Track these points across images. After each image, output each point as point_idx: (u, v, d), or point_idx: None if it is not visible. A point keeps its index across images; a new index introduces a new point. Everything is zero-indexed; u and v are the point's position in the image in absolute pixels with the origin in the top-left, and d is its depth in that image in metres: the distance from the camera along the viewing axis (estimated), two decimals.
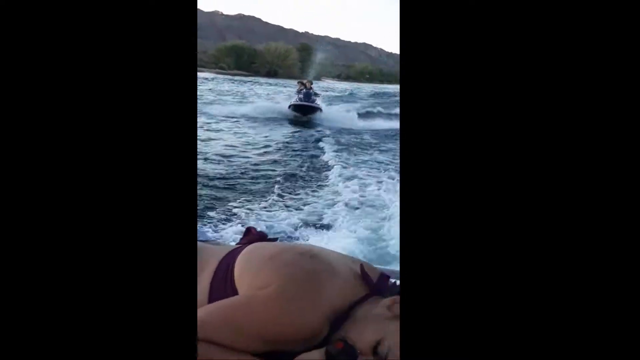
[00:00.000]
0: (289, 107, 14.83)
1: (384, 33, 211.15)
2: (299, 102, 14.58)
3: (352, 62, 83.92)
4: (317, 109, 14.75)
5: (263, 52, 54.48)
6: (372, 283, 0.72)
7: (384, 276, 0.73)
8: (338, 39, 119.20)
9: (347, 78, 62.40)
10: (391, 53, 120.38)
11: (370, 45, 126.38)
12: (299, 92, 15.31)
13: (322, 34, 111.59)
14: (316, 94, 15.55)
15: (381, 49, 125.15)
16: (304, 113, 14.38)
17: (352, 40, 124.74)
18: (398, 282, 0.66)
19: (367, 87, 39.97)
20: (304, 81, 16.46)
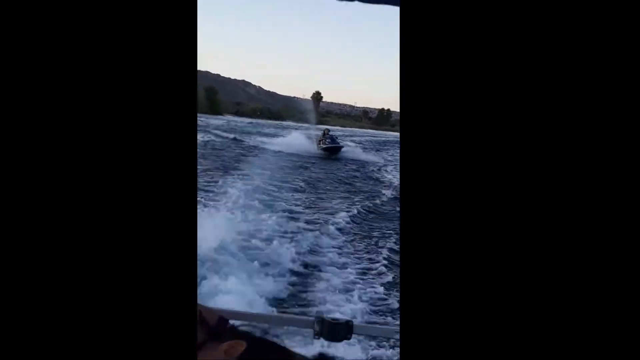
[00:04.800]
0: (320, 148, 21.22)
1: (261, 71, 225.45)
2: (331, 145, 21.04)
3: (234, 99, 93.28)
4: (341, 147, 21.56)
5: None
6: (209, 328, 0.69)
7: (222, 320, 0.71)
8: (218, 75, 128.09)
9: (242, 114, 69.56)
10: (269, 91, 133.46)
11: (249, 83, 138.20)
12: (324, 136, 22.21)
13: (203, 69, 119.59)
14: (337, 137, 23.11)
15: (260, 87, 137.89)
16: (332, 152, 20.86)
17: (232, 77, 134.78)
18: (236, 324, 0.65)
19: (271, 123, 50.10)
20: (324, 129, 24.45)
